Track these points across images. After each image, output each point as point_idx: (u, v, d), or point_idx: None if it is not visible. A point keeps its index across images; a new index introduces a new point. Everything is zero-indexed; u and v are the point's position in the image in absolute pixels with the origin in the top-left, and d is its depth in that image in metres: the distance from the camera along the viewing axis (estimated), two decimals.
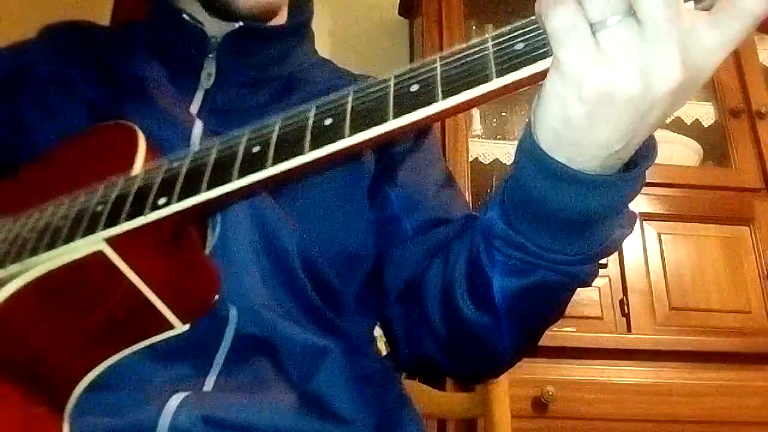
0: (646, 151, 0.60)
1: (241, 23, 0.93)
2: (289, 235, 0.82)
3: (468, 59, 0.53)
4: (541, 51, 0.51)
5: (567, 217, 0.62)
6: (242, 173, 0.55)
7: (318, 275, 0.84)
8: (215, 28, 0.94)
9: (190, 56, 0.94)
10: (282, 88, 0.96)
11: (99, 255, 0.62)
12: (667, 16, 0.49)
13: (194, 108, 0.89)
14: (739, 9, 0.49)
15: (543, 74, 0.51)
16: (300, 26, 1.03)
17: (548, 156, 0.57)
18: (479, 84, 0.51)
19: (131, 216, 0.60)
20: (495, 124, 2.43)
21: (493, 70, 0.51)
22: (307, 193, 0.85)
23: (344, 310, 0.87)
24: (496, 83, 0.51)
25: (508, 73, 0.50)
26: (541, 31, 0.52)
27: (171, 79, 0.92)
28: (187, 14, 0.95)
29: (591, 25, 0.51)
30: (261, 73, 0.96)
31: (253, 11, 0.93)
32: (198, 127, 0.85)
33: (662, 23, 0.49)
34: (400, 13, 2.75)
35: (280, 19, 1.00)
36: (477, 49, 0.53)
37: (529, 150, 0.58)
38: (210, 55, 0.93)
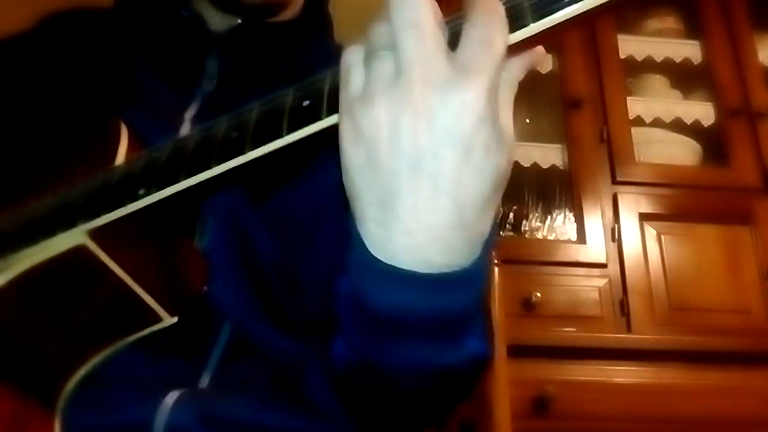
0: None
1: (240, 20, 0.89)
2: (268, 249, 0.80)
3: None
4: None
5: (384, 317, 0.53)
6: (220, 160, 0.54)
7: (291, 291, 0.81)
8: (219, 23, 0.90)
9: (190, 55, 0.90)
10: (291, 84, 0.90)
11: (81, 248, 0.61)
12: (418, 56, 0.46)
13: (192, 110, 0.86)
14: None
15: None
16: (313, 16, 0.97)
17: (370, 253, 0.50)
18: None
19: (111, 208, 0.59)
20: None
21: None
22: (289, 206, 0.81)
23: (316, 328, 0.81)
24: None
25: None
26: None
27: (169, 79, 0.89)
28: (188, 10, 0.91)
29: (369, 57, 0.49)
30: (268, 71, 0.90)
31: (259, 3, 0.88)
32: (186, 129, 0.83)
33: (412, 64, 0.46)
34: None
35: (294, 8, 0.95)
36: None
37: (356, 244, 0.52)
38: (212, 53, 0.89)
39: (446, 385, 0.62)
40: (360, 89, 0.49)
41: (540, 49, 0.53)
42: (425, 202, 0.47)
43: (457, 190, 0.47)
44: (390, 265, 0.49)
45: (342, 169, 0.50)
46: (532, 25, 0.48)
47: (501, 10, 0.48)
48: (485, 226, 0.50)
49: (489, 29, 0.47)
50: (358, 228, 0.51)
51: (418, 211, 0.47)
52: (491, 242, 0.52)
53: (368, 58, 0.49)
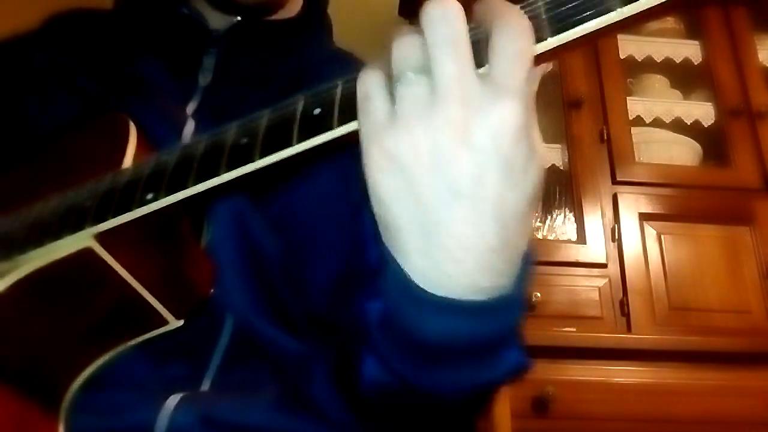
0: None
1: (239, 18, 0.90)
2: (272, 248, 0.80)
3: None
4: None
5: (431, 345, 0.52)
6: (230, 166, 0.54)
7: (297, 291, 0.81)
8: (218, 21, 0.91)
9: (189, 51, 0.91)
10: (289, 84, 0.86)
11: (88, 251, 0.61)
12: (456, 76, 0.45)
13: (192, 106, 0.87)
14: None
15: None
16: (313, 17, 0.97)
17: (415, 285, 0.49)
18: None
19: (119, 211, 0.59)
20: None
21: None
22: (291, 206, 0.81)
23: (320, 328, 0.82)
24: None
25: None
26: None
27: (171, 75, 0.90)
28: (187, 7, 0.91)
29: (393, 84, 0.47)
30: (266, 69, 0.91)
31: (256, 3, 0.89)
32: (190, 126, 0.84)
33: (451, 84, 0.45)
34: (400, 13, 2.75)
35: (294, 8, 0.95)
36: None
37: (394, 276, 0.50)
38: (211, 50, 0.90)
39: (485, 398, 0.63)
40: (387, 115, 0.47)
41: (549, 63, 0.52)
42: (471, 228, 0.46)
43: (500, 210, 0.46)
44: (437, 296, 0.49)
45: (374, 200, 0.49)
46: (549, 39, 0.47)
47: (528, 24, 0.47)
48: (524, 242, 0.50)
49: (520, 44, 0.46)
50: (400, 261, 0.49)
51: (466, 238, 0.46)
52: (529, 255, 0.52)
53: (395, 82, 0.47)
